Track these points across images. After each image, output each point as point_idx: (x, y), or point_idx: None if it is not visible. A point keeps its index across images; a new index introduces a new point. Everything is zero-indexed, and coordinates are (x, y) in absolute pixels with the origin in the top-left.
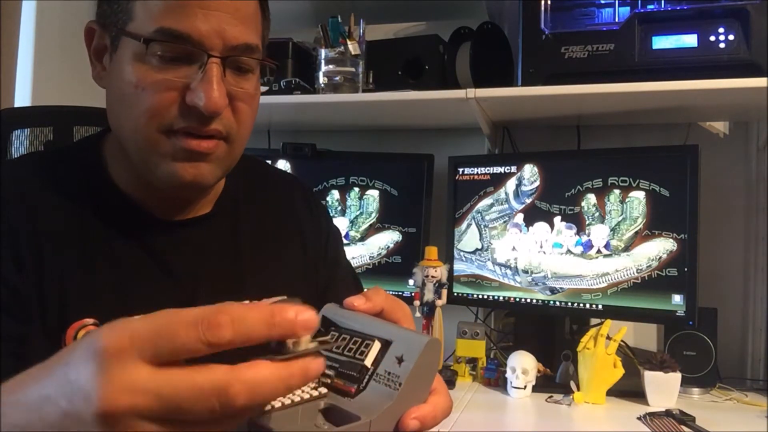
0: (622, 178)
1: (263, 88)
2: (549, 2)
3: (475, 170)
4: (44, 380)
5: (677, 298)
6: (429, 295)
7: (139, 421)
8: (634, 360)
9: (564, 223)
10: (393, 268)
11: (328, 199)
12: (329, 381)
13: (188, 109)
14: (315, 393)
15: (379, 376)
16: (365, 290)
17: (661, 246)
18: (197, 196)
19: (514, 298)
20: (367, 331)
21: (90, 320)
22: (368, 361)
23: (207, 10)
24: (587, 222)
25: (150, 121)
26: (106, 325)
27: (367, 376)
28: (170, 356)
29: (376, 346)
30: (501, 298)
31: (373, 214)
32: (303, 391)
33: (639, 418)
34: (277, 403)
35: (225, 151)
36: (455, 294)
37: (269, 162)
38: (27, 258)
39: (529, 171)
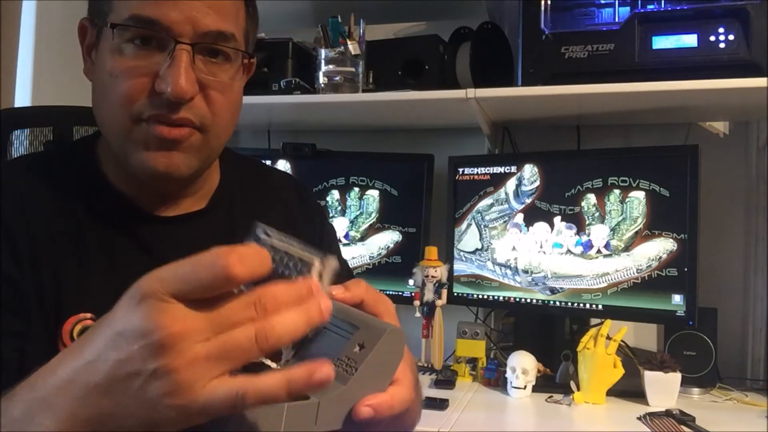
0: (622, 178)
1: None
2: (549, 2)
3: (475, 170)
4: (85, 348)
5: (677, 298)
6: (429, 295)
7: (193, 344)
8: (634, 360)
9: (564, 223)
10: (393, 268)
11: (328, 199)
12: (289, 362)
13: (157, 96)
14: None
15: (340, 361)
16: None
17: (661, 246)
18: (182, 188)
19: (514, 298)
20: (338, 317)
21: (87, 315)
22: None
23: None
24: (587, 222)
25: (123, 108)
26: (140, 279)
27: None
28: (195, 293)
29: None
30: (501, 298)
31: (373, 214)
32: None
33: (639, 418)
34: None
35: (200, 141)
36: (455, 294)
37: (269, 162)
38: (25, 256)
39: (529, 171)
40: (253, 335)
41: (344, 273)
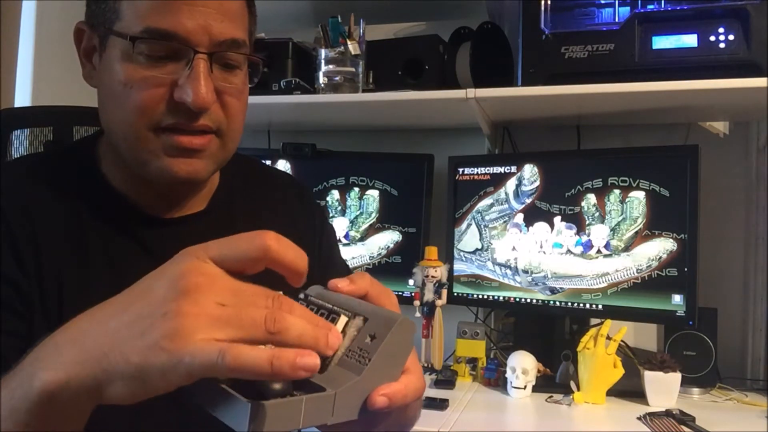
0: (622, 178)
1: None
2: (549, 2)
3: (475, 170)
4: (111, 303)
5: (677, 298)
6: (429, 295)
7: (210, 302)
8: (634, 360)
9: (564, 223)
10: (393, 268)
11: (328, 199)
12: None
13: (176, 106)
14: None
15: (352, 352)
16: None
17: (661, 246)
18: (190, 191)
19: (514, 298)
20: (345, 309)
21: None
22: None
23: (193, 7)
24: (587, 222)
25: (139, 118)
26: None
27: (339, 351)
28: (231, 260)
29: (342, 320)
30: (501, 298)
31: (373, 214)
32: None
33: (639, 418)
34: None
35: (218, 146)
36: (455, 294)
37: (269, 162)
38: (27, 257)
39: (529, 171)
40: (263, 315)
41: (343, 273)
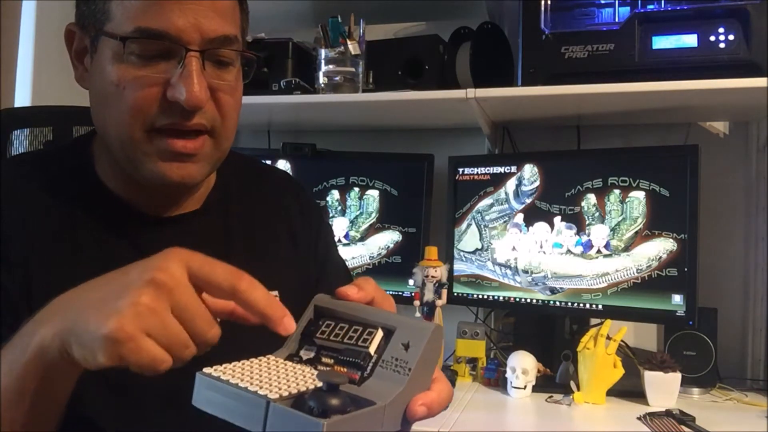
0: (622, 178)
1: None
2: (549, 2)
3: (475, 170)
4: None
5: (677, 298)
6: (429, 295)
7: (164, 302)
8: (634, 360)
9: (564, 223)
10: (393, 268)
11: (328, 199)
12: (329, 369)
13: (170, 105)
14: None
15: (386, 362)
16: (355, 279)
17: (661, 246)
18: (185, 192)
19: (514, 298)
20: (369, 319)
21: None
22: (372, 349)
23: (183, 5)
24: (587, 222)
25: (133, 119)
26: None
27: (371, 363)
28: (204, 282)
29: (379, 333)
30: (501, 298)
31: (373, 214)
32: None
33: (639, 418)
34: (286, 392)
35: (211, 147)
36: (455, 294)
37: (269, 162)
38: (17, 259)
39: (529, 171)
40: (186, 338)
41: (341, 272)
